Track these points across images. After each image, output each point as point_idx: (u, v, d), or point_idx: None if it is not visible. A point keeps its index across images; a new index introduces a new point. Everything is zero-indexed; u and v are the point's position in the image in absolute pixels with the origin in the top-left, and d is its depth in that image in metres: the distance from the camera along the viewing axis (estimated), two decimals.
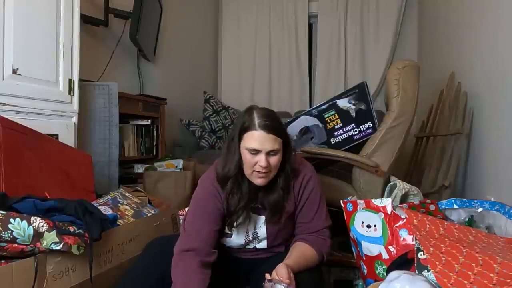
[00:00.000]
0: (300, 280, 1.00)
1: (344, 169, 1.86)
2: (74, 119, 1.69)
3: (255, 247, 1.18)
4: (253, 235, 1.15)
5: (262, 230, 1.14)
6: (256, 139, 1.01)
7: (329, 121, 1.68)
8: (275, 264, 1.01)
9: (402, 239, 1.06)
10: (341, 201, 1.28)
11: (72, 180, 1.44)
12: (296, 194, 1.13)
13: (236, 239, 1.15)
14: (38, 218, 0.90)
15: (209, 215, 1.10)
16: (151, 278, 1.07)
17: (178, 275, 1.01)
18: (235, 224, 1.12)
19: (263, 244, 1.17)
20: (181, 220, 1.60)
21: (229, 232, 1.15)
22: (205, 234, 1.08)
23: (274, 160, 1.03)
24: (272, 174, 1.06)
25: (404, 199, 1.49)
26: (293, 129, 1.72)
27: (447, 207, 1.31)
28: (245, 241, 1.15)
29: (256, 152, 1.02)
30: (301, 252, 1.08)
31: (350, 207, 1.23)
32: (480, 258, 0.87)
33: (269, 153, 1.02)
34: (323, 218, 1.15)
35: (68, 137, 1.61)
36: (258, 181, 1.05)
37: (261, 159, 1.01)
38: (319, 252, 1.10)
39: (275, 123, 1.03)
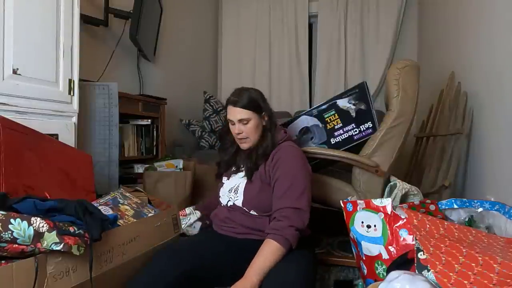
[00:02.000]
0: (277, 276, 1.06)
1: (344, 169, 1.86)
2: (74, 119, 1.69)
3: (234, 204, 1.31)
4: (235, 188, 1.33)
5: (242, 186, 1.32)
6: (229, 112, 1.32)
7: (329, 121, 1.68)
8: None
9: (402, 239, 1.06)
10: (341, 201, 1.28)
11: (72, 180, 1.44)
12: (271, 167, 1.28)
13: (226, 187, 1.37)
14: (39, 219, 0.89)
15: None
16: (159, 285, 1.08)
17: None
18: (228, 175, 1.40)
19: (239, 201, 1.30)
20: (182, 220, 1.62)
21: (224, 182, 1.40)
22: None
23: (247, 128, 1.30)
24: (253, 140, 1.32)
25: (404, 199, 1.49)
26: (293, 129, 1.72)
27: (447, 207, 1.31)
28: (229, 190, 1.35)
29: (233, 122, 1.31)
30: (260, 255, 1.11)
31: (350, 207, 1.23)
32: (480, 258, 0.88)
33: (241, 122, 1.29)
34: (291, 199, 1.19)
35: (68, 137, 1.61)
36: (242, 145, 1.35)
37: (235, 127, 1.31)
38: (279, 239, 1.12)
39: (242, 98, 1.29)
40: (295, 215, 1.16)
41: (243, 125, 1.29)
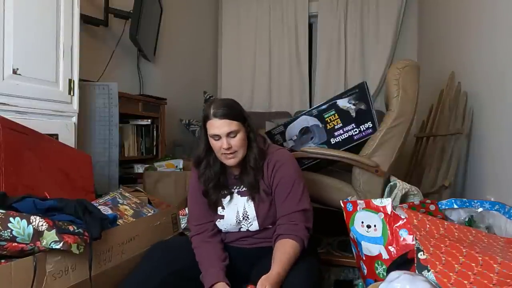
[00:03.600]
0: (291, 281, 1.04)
1: (344, 169, 1.86)
2: (74, 119, 1.69)
3: (248, 230, 1.23)
4: (243, 215, 1.22)
5: (250, 209, 1.22)
6: (214, 126, 1.15)
7: (329, 121, 1.68)
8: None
9: (402, 239, 1.06)
10: (341, 201, 1.28)
11: (71, 180, 1.44)
12: (269, 175, 1.21)
13: (228, 219, 1.23)
14: (38, 217, 0.90)
15: (196, 197, 1.27)
16: (152, 283, 1.08)
17: (198, 258, 1.19)
18: (220, 203, 1.24)
19: (255, 225, 1.22)
20: (182, 220, 1.61)
21: (222, 214, 1.24)
22: (202, 216, 1.26)
23: (236, 141, 1.16)
24: (240, 154, 1.18)
25: (404, 199, 1.49)
26: (293, 129, 1.72)
27: (447, 207, 1.31)
28: (236, 220, 1.23)
29: (218, 137, 1.15)
30: (282, 253, 1.10)
31: (350, 207, 1.23)
32: (480, 258, 0.87)
33: (229, 136, 1.15)
34: (295, 201, 1.18)
35: (68, 137, 1.61)
36: (228, 161, 1.19)
37: (223, 142, 1.15)
38: (296, 239, 1.12)
39: (228, 109, 1.16)
40: (305, 217, 1.17)
41: (231, 139, 1.15)
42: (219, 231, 1.27)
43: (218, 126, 1.14)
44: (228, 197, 1.25)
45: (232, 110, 1.16)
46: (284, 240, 1.12)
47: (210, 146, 1.20)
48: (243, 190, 1.24)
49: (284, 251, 1.10)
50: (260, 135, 1.28)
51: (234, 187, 1.26)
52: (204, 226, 1.25)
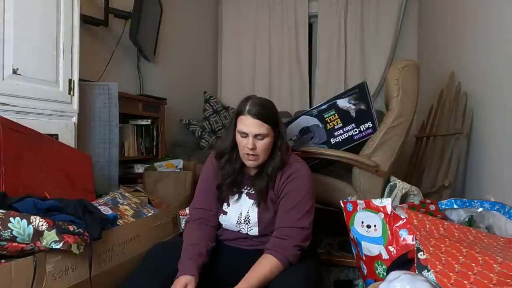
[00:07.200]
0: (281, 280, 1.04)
1: (344, 169, 1.86)
2: (74, 119, 1.69)
3: (247, 234, 1.22)
4: (245, 218, 1.21)
5: (253, 215, 1.20)
6: (244, 123, 1.14)
7: (329, 121, 1.68)
8: None
9: (402, 239, 1.06)
10: (341, 201, 1.28)
11: (71, 180, 1.44)
12: (280, 185, 1.19)
13: (230, 217, 1.23)
14: (38, 217, 0.90)
15: (207, 185, 1.27)
16: (152, 283, 1.08)
17: (183, 246, 1.16)
18: (227, 199, 1.24)
19: (255, 231, 1.21)
20: (182, 220, 1.61)
21: (226, 210, 1.25)
22: (205, 202, 1.26)
23: (261, 144, 1.14)
24: (262, 158, 1.17)
25: (404, 199, 1.49)
26: (293, 129, 1.72)
27: (447, 207, 1.31)
28: (237, 221, 1.22)
29: (245, 135, 1.14)
30: (255, 271, 1.07)
31: (350, 207, 1.23)
32: (480, 258, 0.87)
33: (256, 137, 1.14)
34: (296, 217, 1.13)
35: (68, 137, 1.61)
36: (249, 162, 1.18)
37: (248, 141, 1.13)
38: (280, 257, 1.08)
39: (263, 111, 1.14)
40: (299, 234, 1.12)
41: (257, 140, 1.14)
42: (218, 225, 1.27)
43: (249, 124, 1.13)
44: (236, 196, 1.24)
45: (267, 112, 1.14)
46: (268, 256, 1.09)
47: (236, 141, 1.19)
48: (252, 192, 1.23)
49: (259, 270, 1.06)
50: (287, 144, 1.24)
51: (246, 187, 1.25)
52: (204, 212, 1.25)
